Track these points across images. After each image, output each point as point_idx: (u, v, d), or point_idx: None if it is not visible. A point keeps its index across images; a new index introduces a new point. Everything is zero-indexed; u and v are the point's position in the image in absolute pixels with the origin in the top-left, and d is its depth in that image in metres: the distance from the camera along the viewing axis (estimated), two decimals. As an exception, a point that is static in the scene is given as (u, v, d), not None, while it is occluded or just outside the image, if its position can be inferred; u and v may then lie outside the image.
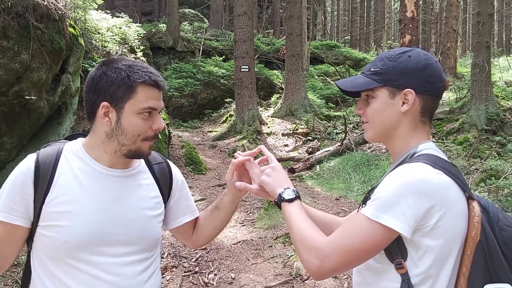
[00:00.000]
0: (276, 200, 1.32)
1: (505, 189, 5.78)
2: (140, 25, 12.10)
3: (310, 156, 8.98)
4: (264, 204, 6.04)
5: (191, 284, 4.05)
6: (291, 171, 8.44)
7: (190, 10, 22.65)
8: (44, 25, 5.15)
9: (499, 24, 30.11)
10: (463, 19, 25.47)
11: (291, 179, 7.79)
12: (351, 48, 24.25)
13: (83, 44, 6.42)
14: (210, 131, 12.39)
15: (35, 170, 1.34)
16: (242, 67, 11.67)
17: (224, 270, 4.30)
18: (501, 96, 10.50)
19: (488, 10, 9.92)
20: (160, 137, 7.37)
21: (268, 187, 1.36)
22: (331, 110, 13.44)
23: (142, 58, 9.06)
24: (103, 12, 8.25)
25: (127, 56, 7.90)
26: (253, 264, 4.41)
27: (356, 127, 11.12)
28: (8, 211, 1.33)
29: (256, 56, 15.47)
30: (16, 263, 3.68)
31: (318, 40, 23.87)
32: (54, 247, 1.33)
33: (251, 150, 1.51)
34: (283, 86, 14.12)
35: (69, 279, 1.33)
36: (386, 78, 1.25)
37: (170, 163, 1.60)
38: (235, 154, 1.50)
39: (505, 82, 14.16)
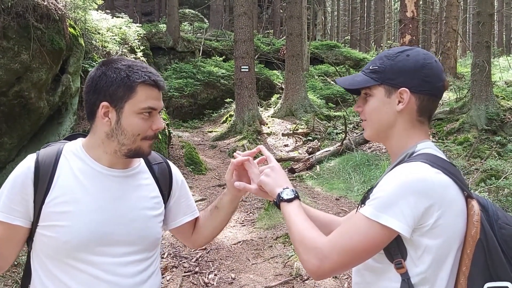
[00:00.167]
0: (275, 200, 1.32)
1: (505, 189, 5.78)
2: (140, 25, 12.09)
3: (310, 156, 8.98)
4: (264, 204, 6.04)
5: (191, 284, 4.05)
6: (291, 171, 8.44)
7: (190, 10, 22.65)
8: (44, 25, 5.15)
9: (499, 24, 30.10)
10: (463, 19, 25.47)
11: (291, 179, 7.86)
12: (351, 48, 24.24)
13: (83, 44, 6.42)
14: (210, 131, 12.39)
15: (35, 170, 1.34)
16: (242, 67, 11.67)
17: (224, 270, 4.30)
18: (501, 96, 10.50)
19: (488, 10, 9.92)
20: (160, 137, 7.37)
21: (267, 187, 1.36)
22: (331, 110, 13.44)
23: (142, 58, 9.06)
24: (103, 12, 8.25)
25: (127, 56, 7.90)
26: (253, 264, 4.41)
27: (356, 127, 11.11)
28: (8, 211, 1.33)
29: (256, 56, 15.47)
30: (16, 263, 3.68)
31: (318, 40, 23.87)
32: (54, 247, 1.33)
33: (251, 150, 1.51)
34: (283, 86, 14.12)
35: (69, 279, 1.33)
36: (383, 76, 1.25)
37: (170, 163, 1.60)
38: (235, 154, 1.50)
39: (505, 82, 14.17)
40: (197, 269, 4.31)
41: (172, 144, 8.80)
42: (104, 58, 6.92)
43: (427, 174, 1.13)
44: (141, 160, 1.49)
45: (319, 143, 9.93)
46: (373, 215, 1.12)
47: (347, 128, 9.87)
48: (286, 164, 8.83)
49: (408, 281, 1.14)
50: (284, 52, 14.24)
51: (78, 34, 6.21)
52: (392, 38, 34.81)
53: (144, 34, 11.99)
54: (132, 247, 1.39)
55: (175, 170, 1.59)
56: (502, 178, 6.16)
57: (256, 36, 17.16)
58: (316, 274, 1.16)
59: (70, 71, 6.05)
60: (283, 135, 11.09)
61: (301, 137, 10.71)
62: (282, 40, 18.91)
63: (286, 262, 4.30)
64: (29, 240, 1.39)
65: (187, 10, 22.46)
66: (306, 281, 3.90)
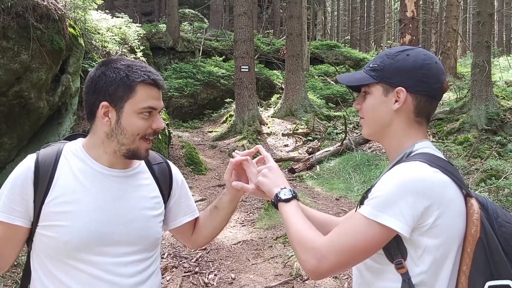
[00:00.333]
0: (273, 200, 1.32)
1: (506, 189, 5.78)
2: (140, 25, 12.09)
3: (310, 156, 8.98)
4: (264, 204, 6.03)
5: (191, 284, 4.05)
6: (291, 171, 8.44)
7: (190, 10, 22.65)
8: (44, 25, 5.15)
9: (499, 24, 30.10)
10: (463, 19, 25.47)
11: (291, 179, 7.87)
12: (351, 48, 24.25)
13: (83, 44, 6.42)
14: (210, 131, 12.39)
15: (34, 171, 1.34)
16: (242, 67, 11.67)
17: (224, 271, 4.30)
18: (501, 96, 10.50)
19: (488, 10, 9.92)
20: (160, 138, 7.37)
21: (264, 187, 1.36)
22: (331, 110, 13.44)
23: (142, 58, 9.05)
24: (103, 12, 8.24)
25: (127, 56, 7.90)
26: (253, 264, 4.41)
27: (356, 127, 11.11)
28: (8, 212, 1.33)
29: (256, 56, 15.46)
30: (16, 263, 3.68)
31: (318, 40, 23.87)
32: (54, 247, 1.33)
33: (250, 150, 1.51)
34: (283, 86, 14.12)
35: (69, 279, 1.33)
36: (381, 75, 1.25)
37: (170, 163, 1.60)
38: (233, 153, 1.50)
39: (505, 82, 14.17)
40: (197, 269, 4.31)
41: (172, 144, 8.80)
42: (104, 58, 6.92)
43: (426, 173, 1.12)
44: (141, 160, 1.49)
45: (319, 143, 9.93)
46: (372, 215, 1.11)
47: (347, 128, 9.87)
48: (286, 164, 8.83)
49: (409, 281, 1.14)
50: (284, 52, 14.24)
51: (78, 34, 6.20)
52: (392, 38, 34.81)
53: (144, 34, 11.99)
54: (132, 247, 1.39)
55: (175, 170, 1.59)
56: (502, 178, 6.16)
57: (256, 36, 17.16)
58: (314, 273, 1.16)
59: (70, 71, 6.05)
60: (283, 135, 11.09)
61: (301, 137, 10.71)
62: (282, 40, 18.90)
63: (286, 262, 4.30)
64: (29, 240, 1.39)
65: (187, 10, 22.46)
66: (306, 281, 3.90)
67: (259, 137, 10.98)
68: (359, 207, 1.18)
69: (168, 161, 1.60)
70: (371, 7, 33.38)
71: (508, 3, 27.30)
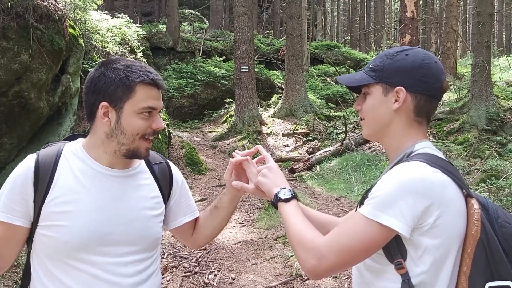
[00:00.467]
0: (272, 200, 1.32)
1: (506, 189, 5.78)
2: (140, 25, 12.10)
3: (310, 156, 8.98)
4: (264, 205, 6.03)
5: (191, 284, 4.05)
6: (292, 171, 8.44)
7: (190, 10, 22.65)
8: (44, 26, 5.15)
9: (499, 24, 30.10)
10: (463, 19, 25.47)
11: (291, 180, 7.86)
12: (351, 48, 24.24)
13: (83, 45, 6.42)
14: (210, 132, 12.39)
15: (34, 171, 1.34)
16: (242, 67, 11.67)
17: (224, 271, 4.30)
18: (501, 96, 10.50)
19: (488, 10, 9.92)
20: (160, 138, 7.37)
21: (264, 187, 1.35)
22: (331, 110, 13.44)
23: (142, 58, 9.05)
24: (103, 12, 8.25)
25: (127, 56, 7.90)
26: (253, 264, 4.41)
27: (356, 127, 11.11)
28: (8, 212, 1.33)
29: (256, 57, 15.46)
30: (15, 263, 3.68)
31: (318, 40, 23.88)
32: (54, 247, 1.33)
33: (250, 150, 1.51)
34: (283, 87, 14.12)
35: (69, 279, 1.33)
36: (381, 75, 1.25)
37: (170, 163, 1.60)
38: (233, 153, 1.50)
39: (505, 82, 14.17)
40: (197, 269, 4.31)
41: (172, 144, 8.80)
42: (104, 58, 6.92)
43: (426, 173, 1.12)
44: (141, 160, 1.49)
45: (319, 143, 9.93)
46: (372, 215, 1.11)
47: (347, 128, 9.87)
48: (286, 164, 8.83)
49: (409, 282, 1.14)
50: (284, 52, 14.24)
51: (78, 35, 6.20)
52: (392, 38, 34.82)
53: (144, 34, 11.98)
54: (132, 247, 1.39)
55: (175, 170, 1.59)
56: (502, 178, 6.16)
57: (256, 37, 17.16)
58: (314, 273, 1.15)
59: (70, 71, 6.05)
60: (283, 135, 11.09)
61: (301, 137, 10.71)
62: (282, 40, 18.91)
63: (286, 262, 4.30)
64: (29, 240, 1.39)
65: (187, 11, 22.46)
66: (306, 281, 3.90)
67: (259, 137, 10.98)
68: (359, 207, 1.18)
69: (168, 161, 1.60)
70: (371, 7, 33.38)
71: (508, 3, 27.30)
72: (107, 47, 7.54)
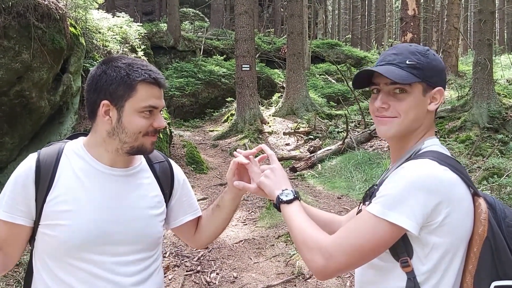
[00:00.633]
0: (275, 202, 1.30)
1: (508, 187, 5.77)
2: (141, 24, 12.08)
3: (311, 155, 8.97)
4: (266, 203, 6.03)
5: (193, 283, 4.05)
6: (293, 170, 8.44)
7: (191, 9, 22.64)
8: (45, 25, 5.15)
9: (501, 22, 30.01)
10: (465, 17, 25.41)
11: (292, 178, 7.85)
12: (352, 46, 24.22)
13: (84, 44, 6.42)
14: (212, 131, 12.39)
15: (36, 170, 1.34)
16: (243, 66, 11.66)
17: (226, 269, 4.30)
18: (503, 94, 10.47)
19: (489, 8, 9.88)
20: (162, 137, 7.37)
21: (266, 188, 1.34)
22: (333, 108, 13.42)
23: (143, 57, 9.05)
24: (104, 11, 8.24)
25: (128, 55, 7.89)
26: (255, 263, 4.40)
27: (358, 125, 11.10)
28: (11, 211, 1.33)
29: (257, 55, 15.45)
30: (18, 262, 3.68)
31: (319, 38, 23.85)
32: (55, 246, 1.33)
33: (252, 149, 1.50)
34: (284, 85, 14.10)
35: (70, 278, 1.33)
36: (423, 74, 1.20)
37: (172, 162, 1.59)
38: (235, 152, 1.48)
39: (507, 80, 14.13)
40: (199, 268, 4.31)
41: (173, 143, 8.80)
42: (105, 57, 6.91)
43: (436, 171, 1.11)
44: (142, 159, 1.49)
45: (320, 142, 9.92)
46: (381, 213, 1.10)
47: (349, 127, 9.86)
48: (288, 163, 8.82)
49: (414, 280, 1.13)
50: (285, 50, 14.22)
51: (79, 34, 6.20)
52: (393, 36, 34.78)
53: (145, 33, 12.00)
54: (133, 246, 1.39)
55: (177, 169, 1.58)
56: (504, 176, 6.14)
57: (257, 35, 17.15)
58: (322, 273, 1.14)
59: (71, 70, 6.05)
60: (284, 134, 11.08)
61: (302, 136, 10.70)
62: (283, 38, 18.88)
63: (288, 261, 4.29)
64: (32, 239, 1.39)
65: (187, 9, 22.45)
66: (308, 280, 3.89)
67: (260, 136, 10.97)
68: (364, 205, 1.17)
69: (169, 159, 1.59)
70: (372, 5, 33.33)
71: (510, 1, 27.23)
72: (108, 46, 7.54)
